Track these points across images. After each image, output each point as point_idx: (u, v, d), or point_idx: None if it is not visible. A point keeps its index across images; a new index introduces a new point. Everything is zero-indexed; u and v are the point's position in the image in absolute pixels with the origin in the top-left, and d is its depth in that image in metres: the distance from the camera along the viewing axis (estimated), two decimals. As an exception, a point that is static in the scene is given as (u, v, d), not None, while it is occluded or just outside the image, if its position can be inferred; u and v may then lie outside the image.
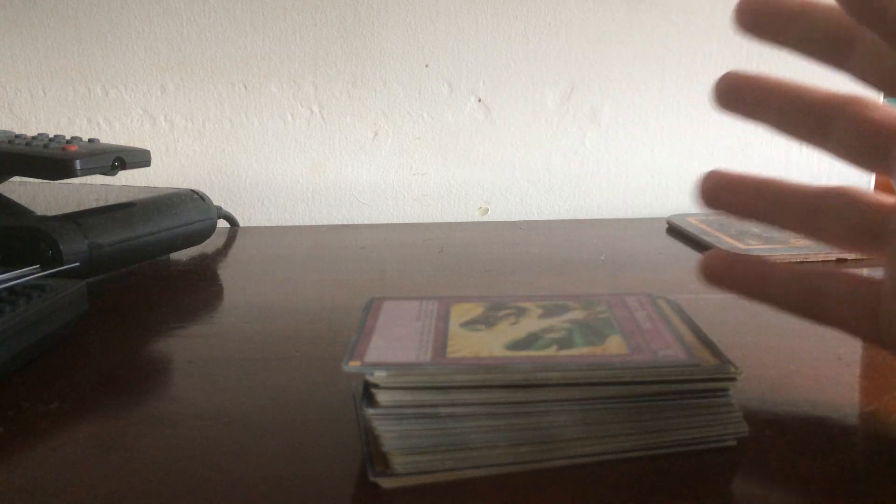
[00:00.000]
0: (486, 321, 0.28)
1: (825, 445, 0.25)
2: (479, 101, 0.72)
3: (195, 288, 0.48)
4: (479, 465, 0.23)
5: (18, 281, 0.35)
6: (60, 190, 0.58)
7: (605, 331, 0.27)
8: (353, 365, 0.23)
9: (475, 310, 0.29)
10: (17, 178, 0.57)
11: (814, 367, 0.32)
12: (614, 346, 0.25)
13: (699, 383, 0.24)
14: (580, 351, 0.25)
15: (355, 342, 0.25)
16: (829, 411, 0.27)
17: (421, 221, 0.73)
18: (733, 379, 0.24)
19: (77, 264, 0.42)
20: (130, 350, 0.36)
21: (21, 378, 0.31)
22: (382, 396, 0.23)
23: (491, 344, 0.26)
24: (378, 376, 0.23)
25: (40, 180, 0.53)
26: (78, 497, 0.23)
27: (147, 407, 0.29)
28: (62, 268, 0.40)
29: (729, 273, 0.29)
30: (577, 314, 0.28)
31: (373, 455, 0.23)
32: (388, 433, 0.22)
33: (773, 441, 0.25)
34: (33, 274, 0.36)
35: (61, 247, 0.42)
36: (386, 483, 0.22)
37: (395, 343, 0.25)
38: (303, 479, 0.23)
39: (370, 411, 0.23)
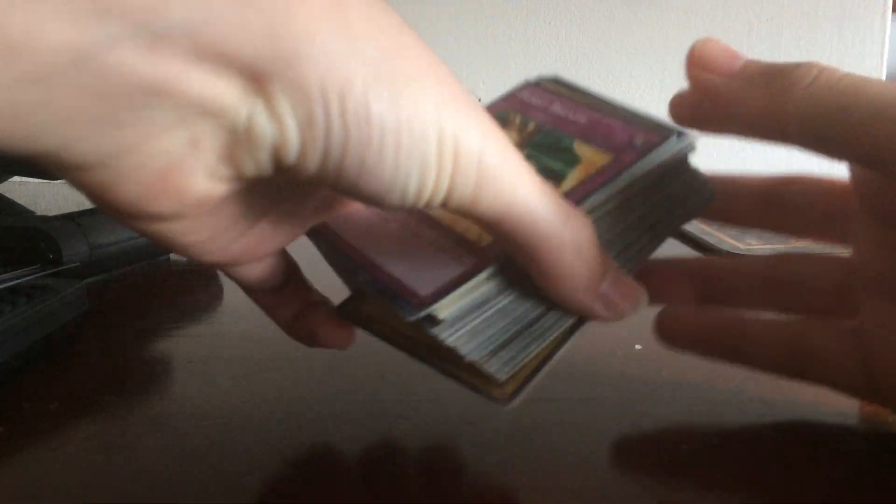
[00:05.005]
0: None
1: (825, 446, 0.25)
2: (479, 101, 0.72)
3: (195, 288, 0.48)
4: (550, 330, 0.23)
5: (18, 281, 0.35)
6: (60, 190, 0.58)
7: (561, 143, 0.25)
8: (422, 308, 0.21)
9: None
10: (17, 178, 0.57)
11: (814, 367, 0.32)
12: (597, 157, 0.24)
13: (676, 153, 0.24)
14: (576, 177, 0.24)
15: (376, 280, 0.23)
16: (829, 412, 0.27)
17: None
18: (683, 134, 0.24)
19: (77, 264, 0.42)
20: (130, 350, 0.36)
21: (21, 378, 0.31)
22: (444, 311, 0.21)
23: None
24: (451, 302, 0.21)
25: (40, 180, 0.54)
26: (78, 497, 0.23)
27: (147, 407, 0.29)
28: (62, 268, 0.40)
29: (692, 334, 0.27)
30: (512, 136, 0.27)
31: (473, 383, 0.23)
32: (467, 343, 0.22)
33: (772, 442, 0.25)
34: (33, 274, 0.36)
35: (61, 247, 0.42)
36: (509, 403, 0.23)
37: (419, 262, 0.23)
38: (303, 480, 0.23)
39: (439, 331, 0.21)
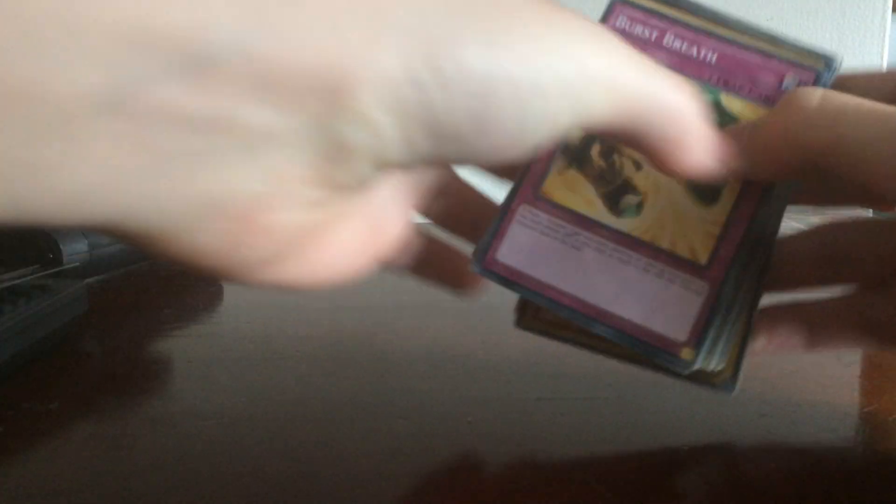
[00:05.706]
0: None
1: (825, 446, 0.25)
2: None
3: (195, 288, 0.48)
4: (743, 307, 0.23)
5: (18, 281, 0.35)
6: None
7: (704, 97, 0.23)
8: (691, 359, 0.21)
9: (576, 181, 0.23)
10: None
11: (813, 367, 0.32)
12: (753, 113, 0.22)
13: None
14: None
15: (620, 332, 0.22)
16: (828, 411, 0.27)
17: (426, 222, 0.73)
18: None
19: (77, 264, 0.42)
20: (130, 350, 0.36)
21: (21, 378, 0.31)
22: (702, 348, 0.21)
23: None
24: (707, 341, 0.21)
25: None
26: (78, 497, 0.23)
27: (147, 407, 0.29)
28: (62, 268, 0.41)
29: (761, 330, 0.25)
30: None
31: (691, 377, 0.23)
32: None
33: (772, 442, 0.25)
34: (33, 274, 0.36)
35: (61, 247, 0.42)
36: (733, 388, 0.23)
37: (648, 297, 0.22)
38: (302, 480, 0.23)
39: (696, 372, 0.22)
